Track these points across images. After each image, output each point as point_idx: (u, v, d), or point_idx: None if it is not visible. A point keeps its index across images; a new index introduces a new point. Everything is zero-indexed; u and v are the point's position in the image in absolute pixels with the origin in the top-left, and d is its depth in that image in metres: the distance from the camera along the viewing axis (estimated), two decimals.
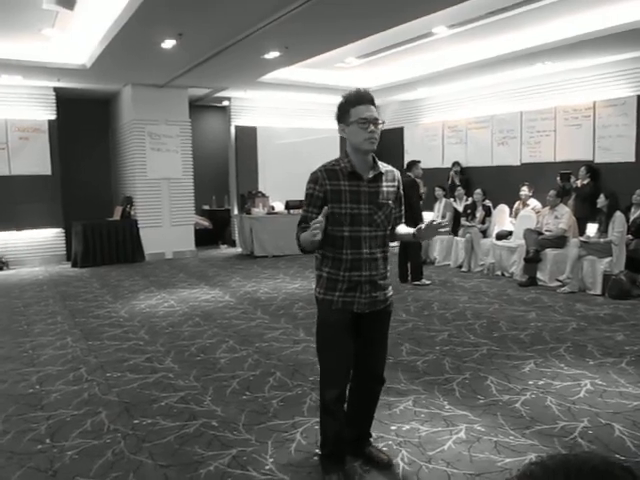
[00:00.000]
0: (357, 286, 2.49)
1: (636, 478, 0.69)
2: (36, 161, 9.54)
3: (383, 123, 2.50)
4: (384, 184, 2.54)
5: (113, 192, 11.45)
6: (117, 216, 9.96)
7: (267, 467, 2.77)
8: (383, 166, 2.57)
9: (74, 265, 9.36)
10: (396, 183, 2.60)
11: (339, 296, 2.50)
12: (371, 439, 2.89)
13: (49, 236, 9.87)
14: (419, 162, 7.70)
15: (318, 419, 2.73)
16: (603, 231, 6.72)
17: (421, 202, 8.02)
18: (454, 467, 2.73)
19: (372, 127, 2.41)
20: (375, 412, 2.86)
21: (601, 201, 6.74)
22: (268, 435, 3.11)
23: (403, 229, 2.67)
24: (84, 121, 10.95)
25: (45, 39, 7.28)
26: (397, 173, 2.64)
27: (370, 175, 2.50)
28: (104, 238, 9.45)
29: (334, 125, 2.54)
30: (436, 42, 7.64)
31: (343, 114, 2.47)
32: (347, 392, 2.65)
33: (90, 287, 7.61)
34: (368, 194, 2.48)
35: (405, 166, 7.77)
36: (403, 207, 2.68)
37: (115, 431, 3.21)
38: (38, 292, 7.36)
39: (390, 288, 2.63)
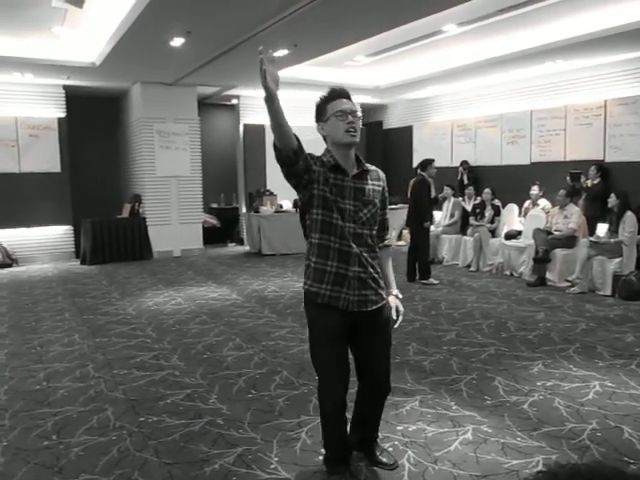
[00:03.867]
0: (344, 281, 2.39)
1: None
2: (46, 159, 9.58)
3: (362, 117, 2.48)
4: (369, 182, 2.47)
5: (122, 190, 11.48)
6: (126, 214, 9.98)
7: (272, 466, 2.77)
8: (367, 165, 2.51)
9: (83, 262, 9.40)
10: (381, 183, 2.53)
11: (325, 289, 2.40)
12: (378, 440, 2.87)
13: (58, 233, 9.91)
14: (433, 161, 7.52)
15: None
16: (613, 231, 6.65)
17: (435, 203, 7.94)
18: (460, 468, 2.71)
19: (350, 118, 2.37)
20: (381, 417, 2.82)
21: (612, 201, 6.67)
22: (273, 434, 3.10)
23: (389, 274, 2.61)
24: (93, 119, 10.99)
25: (55, 37, 7.31)
26: (382, 173, 2.57)
27: (355, 171, 2.44)
28: (113, 235, 9.48)
29: None
30: (446, 40, 7.59)
31: (320, 112, 2.44)
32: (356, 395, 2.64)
33: (98, 284, 7.64)
34: (353, 189, 2.40)
35: (419, 165, 7.62)
36: (387, 210, 2.60)
37: (121, 428, 3.22)
38: (47, 289, 7.40)
39: (383, 293, 2.53)
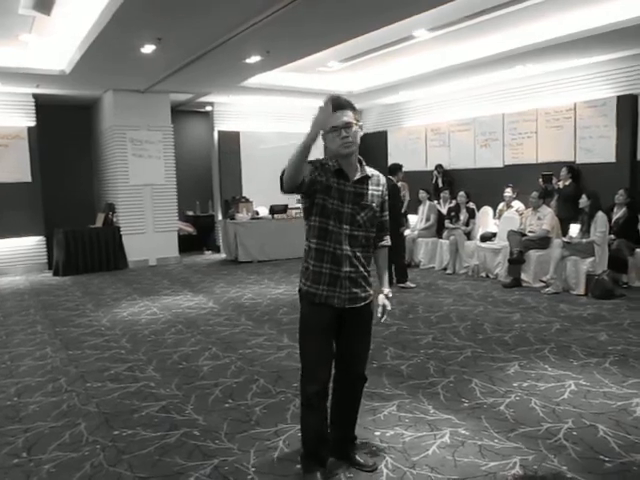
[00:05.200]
0: (337, 281, 2.53)
1: None
2: (16, 168, 9.40)
3: (358, 125, 2.51)
4: (370, 187, 2.60)
5: (95, 199, 11.32)
6: (99, 223, 9.84)
7: (249, 476, 2.73)
8: (370, 170, 2.62)
9: (56, 273, 9.22)
10: (381, 188, 2.66)
11: (322, 290, 2.54)
12: (356, 442, 2.88)
13: (30, 244, 9.71)
14: (402, 166, 7.63)
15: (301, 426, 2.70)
16: (585, 231, 6.75)
17: (404, 205, 8.07)
18: (438, 472, 2.70)
19: (344, 132, 2.46)
20: (358, 413, 2.84)
21: (583, 201, 6.78)
22: (250, 443, 3.06)
23: (383, 273, 2.77)
24: (65, 127, 10.83)
25: (23, 45, 7.19)
26: (382, 178, 2.70)
27: (356, 177, 2.56)
28: (86, 246, 9.32)
29: None
30: (417, 45, 7.67)
31: None
32: (330, 391, 2.65)
33: (72, 296, 7.50)
34: (353, 194, 2.54)
35: (388, 170, 7.70)
36: (387, 212, 2.72)
37: (94, 443, 3.14)
38: (19, 301, 7.23)
39: (370, 290, 2.65)
